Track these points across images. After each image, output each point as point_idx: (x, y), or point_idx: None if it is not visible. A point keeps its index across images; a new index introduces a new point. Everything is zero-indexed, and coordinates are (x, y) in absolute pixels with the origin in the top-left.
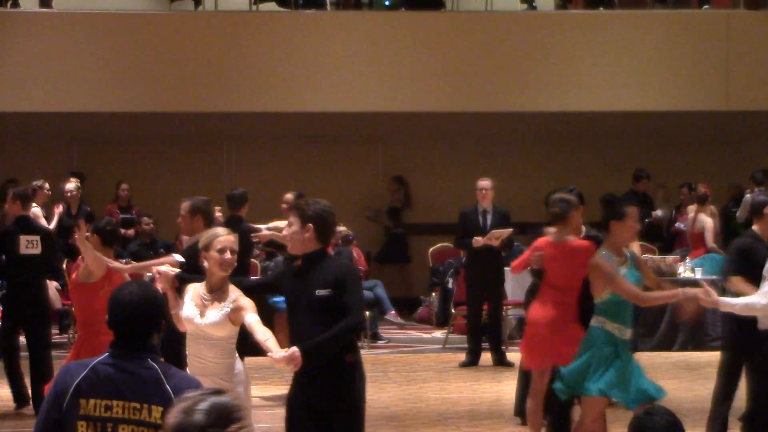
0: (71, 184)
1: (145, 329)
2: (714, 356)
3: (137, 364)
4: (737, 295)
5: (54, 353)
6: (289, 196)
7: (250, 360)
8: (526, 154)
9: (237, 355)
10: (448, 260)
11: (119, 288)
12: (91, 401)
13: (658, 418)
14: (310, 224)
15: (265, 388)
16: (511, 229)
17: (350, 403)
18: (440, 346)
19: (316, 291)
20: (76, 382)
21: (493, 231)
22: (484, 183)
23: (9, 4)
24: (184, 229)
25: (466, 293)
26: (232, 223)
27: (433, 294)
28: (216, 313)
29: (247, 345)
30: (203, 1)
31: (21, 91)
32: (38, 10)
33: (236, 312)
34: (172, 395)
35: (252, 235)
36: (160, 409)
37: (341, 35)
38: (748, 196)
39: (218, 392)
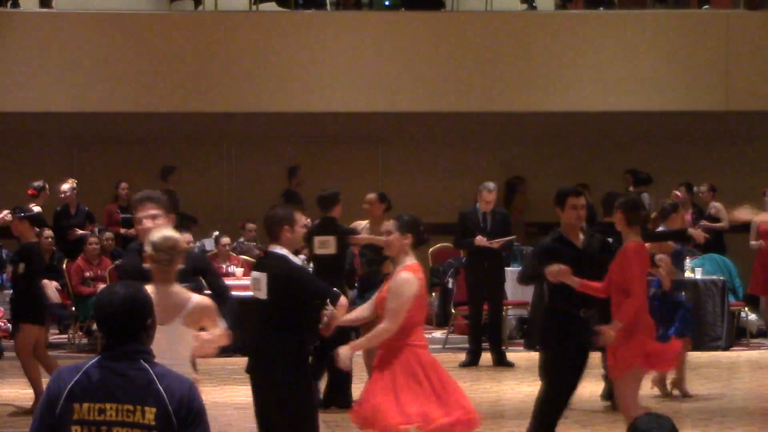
0: (66, 185)
1: (129, 329)
2: (714, 356)
3: (128, 366)
4: None
5: (54, 353)
6: (371, 196)
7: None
8: (526, 154)
9: None
10: (448, 260)
11: (102, 289)
12: (85, 405)
13: (656, 418)
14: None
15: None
16: (514, 236)
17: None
18: (440, 346)
19: None
20: (69, 387)
21: (494, 241)
22: (490, 187)
23: (9, 4)
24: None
25: (466, 293)
26: (326, 225)
27: (433, 294)
28: None
29: None
30: (203, 1)
31: (21, 91)
32: (38, 10)
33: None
34: (165, 396)
35: (350, 237)
36: (154, 410)
37: (341, 35)
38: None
39: None
